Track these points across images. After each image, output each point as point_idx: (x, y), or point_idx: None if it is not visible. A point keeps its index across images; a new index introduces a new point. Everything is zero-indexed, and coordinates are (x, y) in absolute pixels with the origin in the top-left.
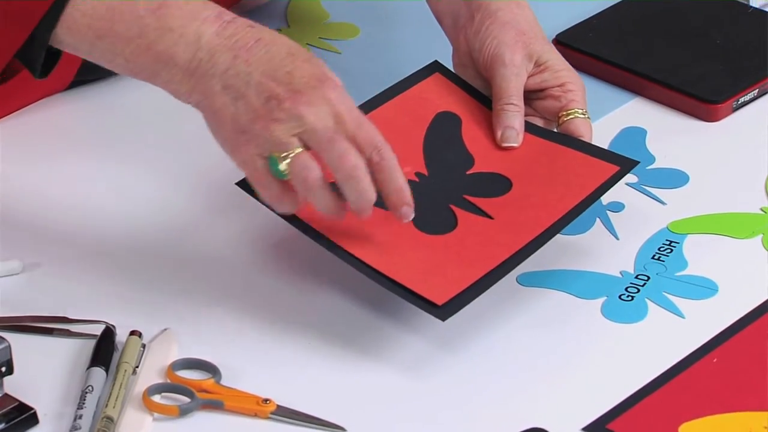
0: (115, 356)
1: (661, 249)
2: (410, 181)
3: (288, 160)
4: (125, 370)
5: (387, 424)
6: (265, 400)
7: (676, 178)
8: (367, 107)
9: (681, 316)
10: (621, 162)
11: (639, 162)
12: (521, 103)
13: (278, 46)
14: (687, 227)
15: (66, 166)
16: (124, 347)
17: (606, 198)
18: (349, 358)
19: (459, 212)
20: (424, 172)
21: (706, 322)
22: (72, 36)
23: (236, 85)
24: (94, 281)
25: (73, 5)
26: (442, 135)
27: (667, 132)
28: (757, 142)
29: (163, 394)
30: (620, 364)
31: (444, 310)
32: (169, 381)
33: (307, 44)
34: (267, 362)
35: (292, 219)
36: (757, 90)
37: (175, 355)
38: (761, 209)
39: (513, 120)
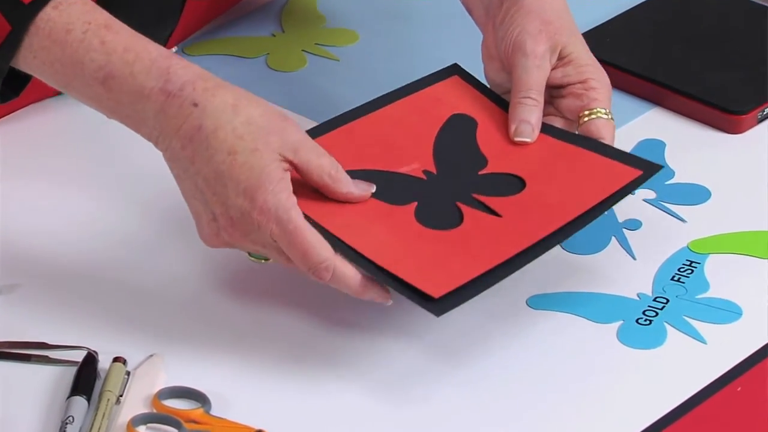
0: (98, 384)
1: (681, 270)
2: (416, 179)
3: (264, 261)
4: (108, 399)
5: None
6: (258, 431)
7: (696, 194)
8: (376, 104)
9: (702, 341)
10: (643, 166)
11: (662, 167)
12: (541, 97)
13: (219, 141)
14: (709, 246)
15: (50, 181)
16: (107, 375)
17: (622, 215)
18: (346, 385)
19: (466, 209)
20: (433, 170)
21: (730, 348)
22: (39, 75)
23: (187, 183)
24: (75, 304)
25: (29, 49)
26: (455, 136)
27: (687, 144)
28: None
29: (148, 424)
30: (637, 393)
31: (440, 305)
32: (155, 411)
33: (303, 50)
34: (260, 390)
35: None
36: None
37: (162, 383)
38: None
39: (529, 114)
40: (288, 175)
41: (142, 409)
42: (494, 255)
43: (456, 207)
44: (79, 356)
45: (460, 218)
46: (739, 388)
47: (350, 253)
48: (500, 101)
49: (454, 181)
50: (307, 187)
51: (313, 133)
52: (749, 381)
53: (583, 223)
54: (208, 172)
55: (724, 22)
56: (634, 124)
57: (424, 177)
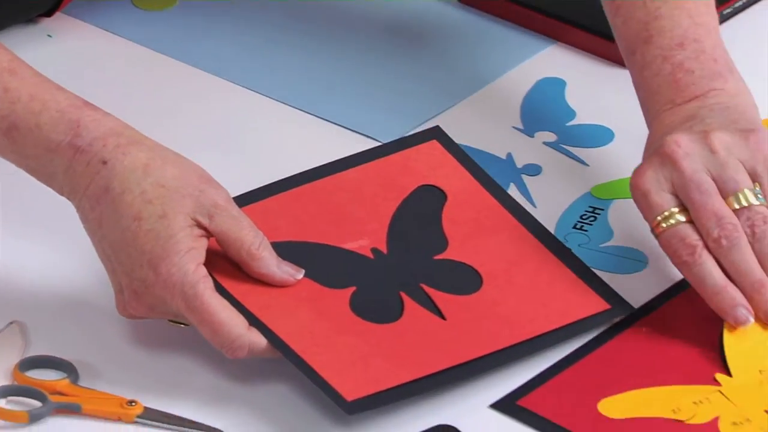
0: None
1: (584, 217)
2: (362, 258)
3: (184, 325)
4: None
5: (265, 428)
6: (131, 402)
7: (599, 136)
8: (336, 167)
9: None
10: (615, 302)
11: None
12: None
13: (125, 205)
14: (612, 192)
15: None
16: None
17: (521, 160)
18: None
19: (408, 302)
20: (383, 248)
21: (634, 297)
22: None
23: (98, 247)
24: None
25: None
26: (418, 211)
27: (588, 82)
28: None
29: (9, 398)
30: None
31: (352, 406)
32: (16, 383)
33: None
34: (132, 359)
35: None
36: None
37: (23, 352)
38: None
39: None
40: (201, 243)
41: (2, 381)
42: (424, 365)
43: (398, 297)
44: None
45: (400, 312)
46: (644, 329)
47: (267, 334)
48: (480, 174)
49: (403, 264)
50: (230, 261)
51: (253, 196)
52: (650, 323)
53: (533, 348)
54: (114, 237)
55: None
56: (532, 62)
57: (372, 256)
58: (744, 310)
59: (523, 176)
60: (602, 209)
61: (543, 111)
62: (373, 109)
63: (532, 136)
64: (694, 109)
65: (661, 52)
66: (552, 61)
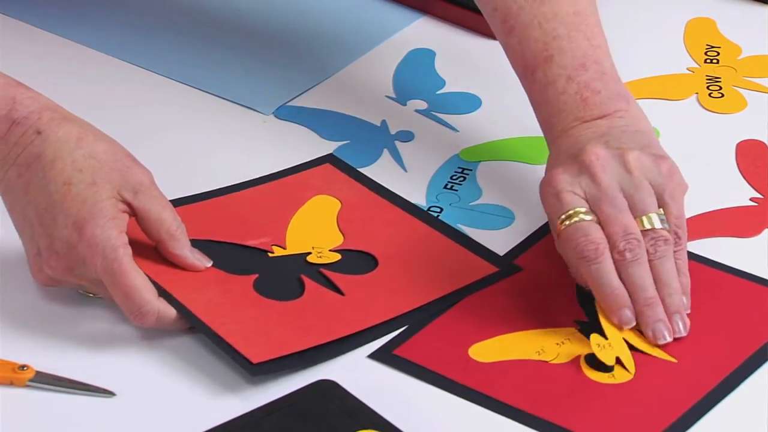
0: None
1: (454, 178)
2: (264, 252)
3: (92, 295)
4: None
5: (158, 388)
6: (22, 367)
7: (467, 103)
8: (247, 184)
9: None
10: (502, 264)
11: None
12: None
13: (56, 172)
14: (479, 154)
15: None
16: None
17: (394, 127)
18: (121, 317)
19: (309, 283)
20: (283, 245)
21: (503, 251)
22: None
23: (18, 215)
24: None
25: None
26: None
27: (456, 53)
28: None
29: None
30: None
31: (257, 368)
32: None
33: None
34: (24, 324)
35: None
36: None
37: None
38: None
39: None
40: (123, 217)
41: None
42: (323, 332)
43: (299, 280)
44: None
45: (301, 291)
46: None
47: (177, 306)
48: (372, 184)
49: (302, 255)
50: (145, 245)
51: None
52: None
53: (428, 312)
54: (39, 201)
55: None
56: (403, 34)
57: (272, 251)
58: (629, 313)
59: (396, 142)
60: (471, 170)
61: (414, 81)
62: (253, 82)
63: (405, 105)
64: (605, 127)
65: (564, 72)
66: (422, 33)
